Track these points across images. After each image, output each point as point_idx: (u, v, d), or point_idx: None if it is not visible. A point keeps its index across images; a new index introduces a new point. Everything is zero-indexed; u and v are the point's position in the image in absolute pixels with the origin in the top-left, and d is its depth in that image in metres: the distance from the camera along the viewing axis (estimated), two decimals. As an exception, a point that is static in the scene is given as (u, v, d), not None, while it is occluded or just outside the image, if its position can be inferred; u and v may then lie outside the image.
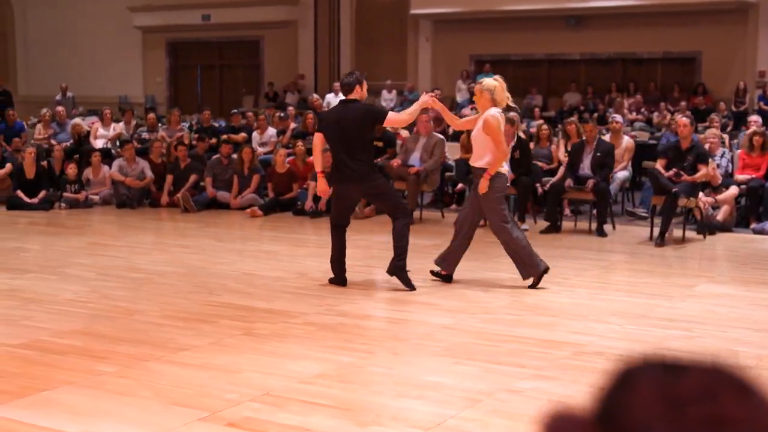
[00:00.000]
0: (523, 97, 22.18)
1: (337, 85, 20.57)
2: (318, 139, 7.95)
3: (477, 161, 7.66)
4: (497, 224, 7.69)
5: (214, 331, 6.30)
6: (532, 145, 12.43)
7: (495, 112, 7.44)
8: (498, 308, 7.06)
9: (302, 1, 24.85)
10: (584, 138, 11.07)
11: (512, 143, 11.22)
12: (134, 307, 7.01)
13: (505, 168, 7.76)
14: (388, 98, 22.70)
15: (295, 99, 23.65)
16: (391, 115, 7.82)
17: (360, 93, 7.69)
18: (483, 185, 7.51)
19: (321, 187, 8.03)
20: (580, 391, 5.08)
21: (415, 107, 7.93)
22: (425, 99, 7.83)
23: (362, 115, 7.58)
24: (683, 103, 19.20)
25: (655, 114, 19.17)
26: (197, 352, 5.78)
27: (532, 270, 7.65)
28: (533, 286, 7.68)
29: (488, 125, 7.42)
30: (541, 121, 17.37)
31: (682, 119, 10.45)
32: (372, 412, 4.75)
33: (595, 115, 18.81)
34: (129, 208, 12.89)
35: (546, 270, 7.65)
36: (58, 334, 6.21)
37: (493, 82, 7.57)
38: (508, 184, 8.00)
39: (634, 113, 19.59)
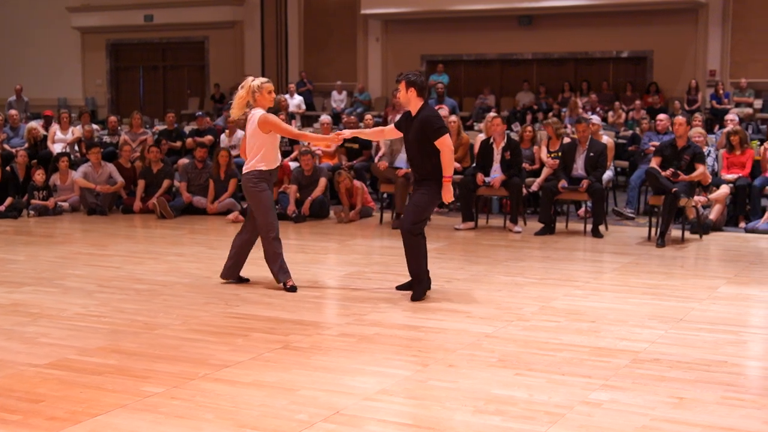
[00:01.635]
0: (476, 97, 22.12)
1: (292, 86, 20.25)
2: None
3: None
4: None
5: (250, 345, 5.97)
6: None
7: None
8: (531, 315, 6.85)
9: (248, 1, 24.43)
10: (576, 138, 10.94)
11: (502, 143, 11.07)
12: (153, 321, 6.64)
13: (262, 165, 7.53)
14: (338, 99, 22.43)
15: (243, 100, 23.16)
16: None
17: None
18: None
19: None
20: (656, 401, 4.90)
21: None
22: (331, 138, 7.88)
23: None
24: (638, 102, 19.28)
25: (610, 113, 19.19)
26: (242, 369, 5.46)
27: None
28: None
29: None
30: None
31: (679, 118, 10.39)
32: (454, 430, 4.50)
33: (551, 114, 18.75)
34: (100, 215, 12.38)
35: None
36: (84, 352, 5.82)
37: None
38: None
39: (590, 113, 19.59)
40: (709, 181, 10.91)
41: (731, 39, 20.50)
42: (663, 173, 10.08)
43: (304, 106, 19.24)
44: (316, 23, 24.00)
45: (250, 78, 7.70)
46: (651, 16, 20.87)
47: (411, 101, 7.23)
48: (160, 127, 16.91)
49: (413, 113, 7.27)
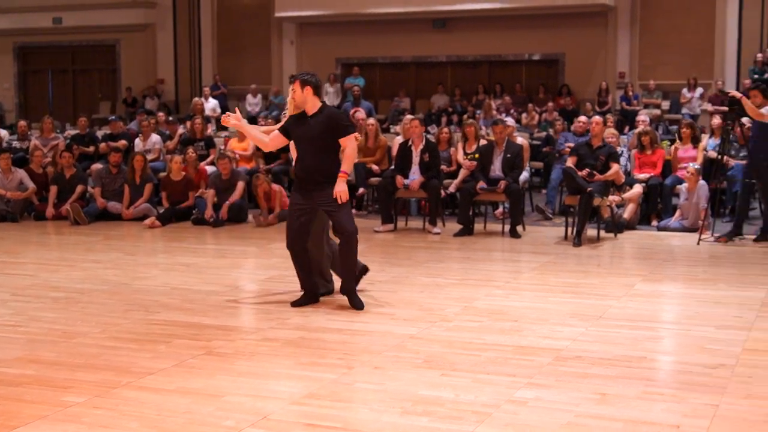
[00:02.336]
0: (391, 99, 22.21)
1: (206, 89, 20.05)
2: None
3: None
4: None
5: (173, 352, 5.89)
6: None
7: None
8: (454, 315, 6.89)
9: (160, 4, 24.12)
10: (494, 139, 11.06)
11: (421, 145, 11.13)
12: (72, 329, 6.49)
13: None
14: (253, 102, 22.28)
15: (155, 104, 22.92)
16: None
17: None
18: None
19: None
20: (579, 398, 4.97)
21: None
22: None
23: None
24: (550, 104, 19.57)
25: (524, 115, 19.44)
26: (166, 376, 5.38)
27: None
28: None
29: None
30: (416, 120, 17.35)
31: (596, 117, 10.58)
32: (384, 432, 4.51)
33: (465, 116, 18.90)
34: (11, 222, 12.09)
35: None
36: (1, 363, 5.67)
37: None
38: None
39: (504, 114, 19.81)
40: (623, 180, 11.13)
41: (639, 42, 20.96)
42: (579, 173, 10.24)
43: (219, 110, 19.07)
44: (229, 26, 23.82)
45: None
46: (562, 19, 21.21)
47: (308, 100, 7.06)
48: (72, 131, 16.60)
49: (310, 113, 7.08)
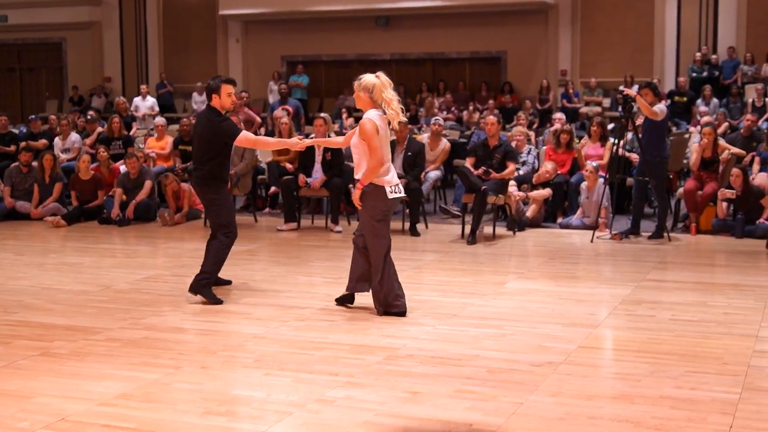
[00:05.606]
0: (336, 97, 22.20)
1: (144, 87, 19.99)
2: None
3: (357, 172, 6.76)
4: (372, 245, 6.82)
5: (8, 353, 5.88)
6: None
7: (373, 114, 6.66)
8: (310, 314, 6.90)
9: (106, 2, 24.03)
10: (395, 138, 11.06)
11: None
12: None
13: (387, 179, 6.70)
14: (199, 101, 22.17)
15: (102, 103, 22.85)
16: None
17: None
18: (356, 196, 6.73)
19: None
20: (390, 396, 5.00)
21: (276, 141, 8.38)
22: (294, 142, 7.69)
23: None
24: (491, 102, 19.61)
25: (465, 113, 19.48)
26: (-12, 377, 5.37)
27: (381, 307, 6.86)
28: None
29: (362, 130, 6.62)
30: (351, 121, 17.42)
31: (490, 117, 10.61)
32: (178, 432, 4.52)
33: (408, 114, 18.92)
34: None
35: (402, 313, 6.82)
36: None
37: (372, 79, 6.69)
38: (395, 196, 6.76)
39: (445, 112, 19.85)
40: (551, 177, 11.17)
41: (581, 39, 21.02)
42: (475, 172, 10.27)
43: (157, 108, 19.02)
44: (175, 24, 23.75)
45: None
46: (504, 17, 21.24)
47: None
48: (16, 130, 16.42)
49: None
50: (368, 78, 6.70)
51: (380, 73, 6.73)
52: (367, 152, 6.61)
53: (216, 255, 7.39)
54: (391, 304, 6.82)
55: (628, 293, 7.51)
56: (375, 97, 6.66)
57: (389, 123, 6.70)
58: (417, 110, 19.73)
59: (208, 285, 7.33)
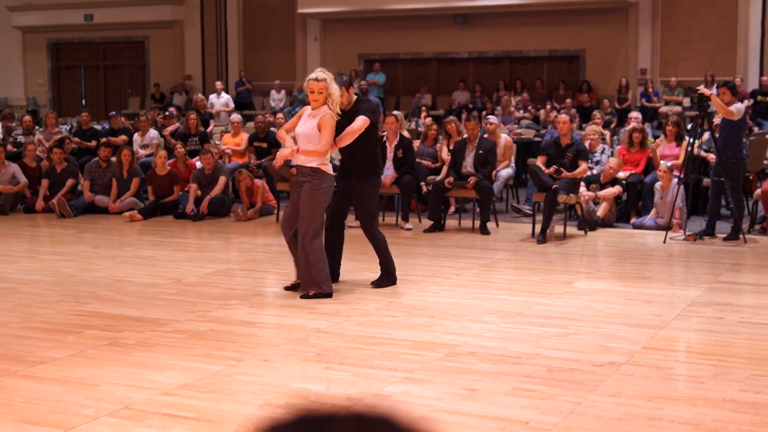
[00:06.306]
0: (413, 95, 22.23)
1: (219, 84, 20.28)
2: None
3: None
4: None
5: (77, 342, 6.03)
6: (417, 143, 12.38)
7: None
8: (374, 310, 6.93)
9: (188, 1, 24.42)
10: (466, 136, 11.05)
11: (395, 141, 11.16)
12: (-6, 319, 6.68)
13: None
14: (276, 98, 22.46)
15: (183, 100, 23.22)
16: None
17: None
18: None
19: None
20: (446, 393, 4.99)
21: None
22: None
23: None
24: (568, 101, 19.44)
25: (542, 111, 19.34)
26: (57, 365, 5.51)
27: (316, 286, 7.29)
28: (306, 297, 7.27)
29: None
30: (429, 120, 17.42)
31: (562, 116, 10.52)
32: (236, 423, 4.57)
33: (484, 113, 18.85)
34: (1, 215, 12.38)
35: (329, 295, 7.27)
36: None
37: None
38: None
39: (521, 111, 19.74)
40: (611, 177, 11.04)
41: (661, 38, 20.69)
42: (546, 170, 10.20)
43: (232, 105, 19.27)
44: (255, 22, 24.02)
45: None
46: (583, 15, 21.02)
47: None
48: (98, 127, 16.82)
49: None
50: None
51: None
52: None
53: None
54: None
55: (698, 295, 7.39)
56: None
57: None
58: (493, 109, 19.65)
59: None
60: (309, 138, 7.14)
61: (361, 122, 7.33)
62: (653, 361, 5.63)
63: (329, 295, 7.25)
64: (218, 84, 20.02)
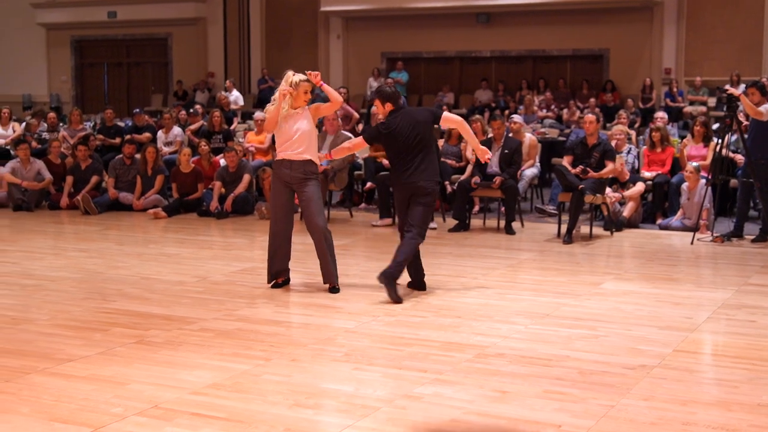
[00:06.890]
0: (435, 94, 22.18)
1: (228, 82, 20.37)
2: None
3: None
4: None
5: (105, 340, 6.02)
6: (441, 142, 12.32)
7: None
8: (401, 310, 6.90)
9: (211, -2, 24.48)
10: (491, 135, 10.99)
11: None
12: (22, 316, 6.68)
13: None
14: (299, 96, 22.42)
15: (205, 97, 23.26)
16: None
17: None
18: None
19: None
20: (478, 395, 4.95)
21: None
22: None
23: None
24: (592, 100, 19.35)
25: (565, 111, 19.25)
26: (85, 363, 5.50)
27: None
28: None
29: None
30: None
31: (589, 116, 10.45)
32: (266, 423, 4.55)
33: (507, 112, 18.77)
34: (26, 211, 12.42)
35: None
36: (-63, 346, 5.86)
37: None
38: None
39: (545, 110, 19.66)
40: (627, 177, 10.96)
41: (686, 37, 20.56)
42: (572, 170, 10.13)
43: (241, 102, 19.38)
44: (278, 20, 24.04)
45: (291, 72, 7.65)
46: (607, 14, 20.93)
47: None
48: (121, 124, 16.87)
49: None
50: None
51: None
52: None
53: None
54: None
55: (728, 297, 7.31)
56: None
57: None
58: (516, 108, 19.56)
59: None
60: (310, 136, 7.57)
61: (357, 141, 7.89)
62: (685, 364, 5.57)
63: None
64: (228, 82, 20.11)
